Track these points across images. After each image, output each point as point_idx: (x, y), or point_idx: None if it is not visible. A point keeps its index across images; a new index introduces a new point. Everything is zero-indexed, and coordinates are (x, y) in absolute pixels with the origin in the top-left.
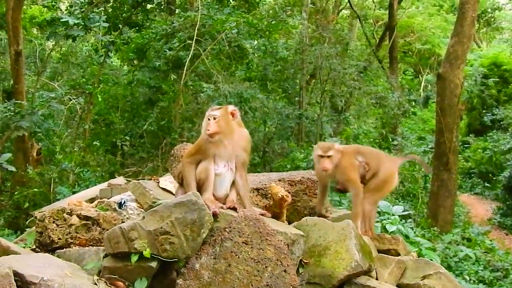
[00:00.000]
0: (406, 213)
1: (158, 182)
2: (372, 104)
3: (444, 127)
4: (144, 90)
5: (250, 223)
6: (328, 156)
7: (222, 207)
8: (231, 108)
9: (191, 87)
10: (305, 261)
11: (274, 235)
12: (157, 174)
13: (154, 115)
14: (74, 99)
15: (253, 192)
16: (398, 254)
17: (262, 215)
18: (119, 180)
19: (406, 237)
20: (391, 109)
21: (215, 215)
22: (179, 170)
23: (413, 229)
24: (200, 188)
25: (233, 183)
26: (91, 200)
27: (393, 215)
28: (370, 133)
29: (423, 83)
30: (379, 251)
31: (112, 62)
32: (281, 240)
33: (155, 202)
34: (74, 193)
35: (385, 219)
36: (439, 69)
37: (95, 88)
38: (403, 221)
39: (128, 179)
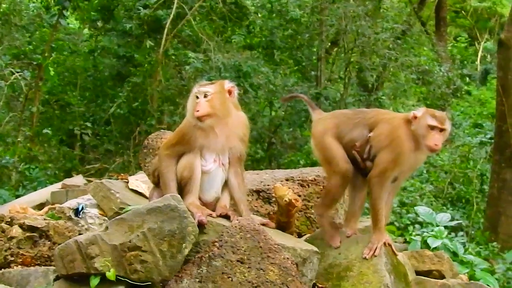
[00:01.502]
0: (455, 223)
1: (127, 182)
2: (412, 80)
3: (507, 111)
4: (111, 61)
5: (247, 236)
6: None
7: (211, 215)
8: (228, 84)
9: (173, 57)
10: (320, 285)
11: (279, 252)
12: (128, 172)
13: (124, 95)
14: (17, 72)
15: (252, 195)
16: (443, 277)
17: (263, 225)
18: (77, 180)
19: (455, 254)
20: (438, 87)
21: (201, 225)
22: (154, 166)
23: (464, 245)
24: (182, 189)
25: (226, 184)
26: (40, 206)
27: (437, 225)
28: None
29: (480, 53)
30: (418, 273)
31: (68, 23)
32: (287, 258)
33: (123, 208)
34: (17, 196)
35: (427, 232)
36: (501, 34)
37: (45, 58)
38: (452, 234)
39: (89, 178)
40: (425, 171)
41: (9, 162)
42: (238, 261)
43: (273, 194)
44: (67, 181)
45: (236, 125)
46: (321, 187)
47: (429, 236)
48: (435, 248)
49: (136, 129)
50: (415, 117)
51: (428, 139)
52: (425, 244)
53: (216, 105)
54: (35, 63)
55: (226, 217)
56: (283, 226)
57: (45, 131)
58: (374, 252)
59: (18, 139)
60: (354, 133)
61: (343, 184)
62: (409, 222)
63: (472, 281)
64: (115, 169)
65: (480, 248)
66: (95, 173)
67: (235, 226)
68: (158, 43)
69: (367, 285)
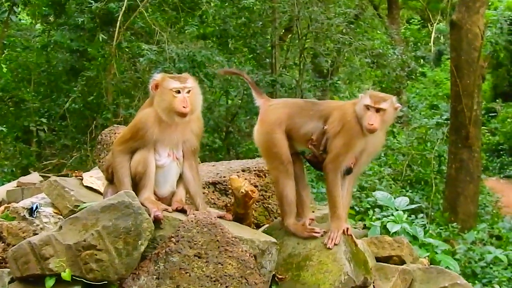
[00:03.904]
0: (414, 206)
1: (82, 179)
2: (367, 64)
3: (461, 91)
4: (64, 55)
5: (204, 230)
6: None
7: (166, 209)
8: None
9: (127, 49)
10: (280, 276)
11: (237, 245)
12: (86, 167)
13: (78, 89)
14: None
15: (209, 187)
16: (403, 262)
17: (220, 217)
18: (33, 177)
19: (415, 238)
20: (392, 70)
21: (157, 221)
22: (108, 163)
23: (425, 227)
24: (136, 185)
25: (181, 178)
26: None
27: (396, 210)
28: None
29: (433, 35)
30: (378, 259)
31: (20, 19)
32: (245, 251)
33: (78, 205)
34: None
35: (387, 216)
36: (452, 15)
37: None
38: (413, 216)
39: (47, 174)
40: (383, 155)
41: None
42: (195, 255)
43: (229, 186)
44: (23, 179)
45: (192, 119)
46: None
47: (388, 221)
48: (395, 233)
49: (93, 123)
50: (360, 98)
51: (364, 119)
52: (384, 229)
53: (196, 101)
54: None
55: (183, 211)
56: (241, 218)
57: None
58: (334, 240)
59: None
60: (309, 126)
61: (289, 180)
62: (369, 206)
63: (432, 265)
64: (72, 164)
65: (441, 229)
66: (53, 169)
67: (191, 221)
68: (111, 36)
69: (327, 274)
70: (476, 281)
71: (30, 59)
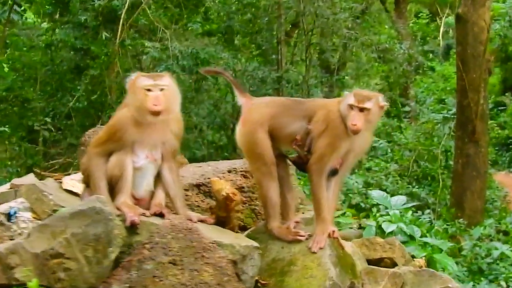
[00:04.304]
0: (411, 205)
1: (62, 182)
2: (374, 60)
3: (467, 86)
4: (68, 54)
5: (180, 235)
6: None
7: (144, 214)
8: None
9: (130, 47)
10: (263, 282)
11: (214, 250)
12: None
13: (82, 88)
14: None
15: (193, 189)
16: (395, 264)
17: (201, 221)
18: (27, 179)
19: (412, 238)
20: (399, 65)
21: (134, 226)
22: (84, 166)
23: (431, 223)
24: (113, 188)
25: (160, 180)
26: None
27: (391, 209)
28: None
29: (442, 28)
30: (369, 262)
31: (26, 18)
32: (223, 257)
33: (57, 210)
34: None
35: (383, 215)
36: (458, 9)
37: None
38: (419, 212)
39: (47, 174)
40: (389, 150)
41: None
42: (170, 263)
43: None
44: (16, 180)
45: (171, 120)
46: None
47: (384, 221)
48: (390, 233)
49: (98, 122)
50: (345, 97)
51: (348, 119)
52: (380, 229)
53: (171, 99)
54: None
55: (161, 215)
56: (223, 221)
57: (1, 129)
58: (319, 244)
59: None
60: (293, 125)
61: (273, 182)
62: (375, 203)
63: (424, 268)
64: (78, 163)
65: (447, 225)
66: (59, 168)
67: (166, 226)
68: (114, 34)
69: (311, 280)
70: (483, 278)
71: (34, 58)
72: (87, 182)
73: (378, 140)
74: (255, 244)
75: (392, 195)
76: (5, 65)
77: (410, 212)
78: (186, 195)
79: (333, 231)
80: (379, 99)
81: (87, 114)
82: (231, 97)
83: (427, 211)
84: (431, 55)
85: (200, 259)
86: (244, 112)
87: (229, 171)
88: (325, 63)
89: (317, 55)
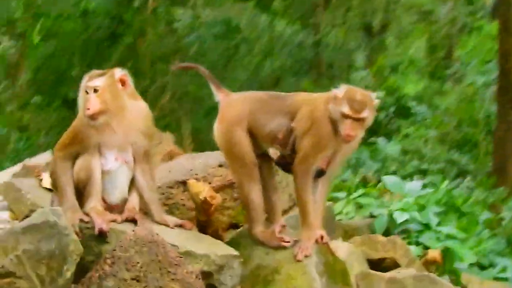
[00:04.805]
0: (425, 191)
1: (42, 180)
2: (416, 21)
3: (510, 49)
4: (102, 22)
5: (144, 249)
6: None
7: (115, 220)
8: (118, 73)
9: (163, 15)
10: None
11: (181, 265)
12: None
13: (116, 56)
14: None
15: (178, 186)
16: (397, 265)
17: (179, 226)
18: (40, 159)
19: (427, 226)
20: (443, 26)
21: (102, 234)
22: (51, 169)
23: (471, 190)
24: (82, 194)
25: (134, 183)
26: None
27: (405, 196)
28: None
29: None
30: (370, 262)
31: None
32: (191, 272)
33: (34, 210)
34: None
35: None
36: None
37: (31, 25)
38: (459, 179)
39: None
40: (429, 116)
41: (2, 133)
42: (133, 279)
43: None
44: (29, 161)
45: (136, 118)
46: None
47: (396, 210)
48: (405, 222)
49: None
50: (335, 98)
51: (341, 127)
52: (391, 219)
53: (107, 100)
54: (20, 30)
55: (134, 221)
56: (204, 226)
57: (34, 99)
58: (305, 251)
59: (10, 109)
60: (274, 123)
61: (254, 183)
62: (412, 171)
63: (424, 273)
64: None
65: (488, 193)
66: None
67: (130, 239)
68: (146, 2)
69: None
70: None
71: (68, 27)
72: (55, 185)
73: (418, 105)
74: (234, 252)
75: (430, 163)
76: (37, 35)
77: (446, 182)
78: (171, 193)
79: (322, 236)
80: (374, 101)
81: None
82: (270, 63)
83: (467, 178)
84: (477, 14)
85: (166, 275)
86: (221, 109)
87: (220, 165)
88: (366, 26)
89: (357, 18)
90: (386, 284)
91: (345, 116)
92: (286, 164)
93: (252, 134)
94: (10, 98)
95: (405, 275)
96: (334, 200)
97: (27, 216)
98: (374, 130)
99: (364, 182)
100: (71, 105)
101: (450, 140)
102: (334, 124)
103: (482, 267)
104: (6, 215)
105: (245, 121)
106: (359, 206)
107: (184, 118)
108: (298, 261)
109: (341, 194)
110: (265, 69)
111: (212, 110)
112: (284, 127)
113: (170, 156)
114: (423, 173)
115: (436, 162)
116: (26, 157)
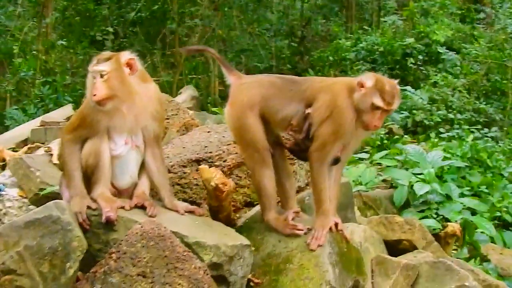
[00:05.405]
0: (447, 162)
1: (52, 155)
2: None
3: None
4: None
5: (150, 244)
6: None
7: (123, 207)
8: (126, 56)
9: None
10: (256, 281)
11: (189, 261)
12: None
13: None
14: None
15: (192, 165)
16: (414, 247)
17: (190, 212)
18: (57, 114)
19: (448, 197)
20: None
21: (110, 222)
22: (59, 151)
23: (497, 141)
24: (89, 179)
25: (144, 168)
26: (26, 143)
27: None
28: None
29: None
30: (387, 243)
31: None
32: (199, 268)
33: (43, 188)
34: (31, 116)
35: (418, 175)
36: None
37: None
38: (485, 130)
39: None
40: (458, 63)
41: (28, 75)
42: (139, 275)
43: (217, 163)
44: (46, 117)
45: (146, 101)
46: None
47: (417, 181)
48: (426, 193)
49: (162, 31)
50: (362, 86)
51: (368, 117)
52: (412, 191)
53: (114, 84)
54: None
55: (143, 208)
56: (216, 211)
57: (59, 42)
58: (318, 241)
59: (35, 52)
60: (288, 109)
61: (266, 169)
62: (439, 120)
63: (440, 259)
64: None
65: None
66: None
67: (136, 233)
68: None
69: (307, 282)
70: None
71: None
72: (63, 169)
73: (447, 52)
74: (245, 241)
75: (458, 112)
76: None
77: (472, 136)
78: (184, 172)
79: (336, 224)
80: (399, 90)
81: (151, 24)
82: (301, 3)
83: (494, 128)
84: None
85: (173, 271)
86: (233, 93)
87: (235, 142)
88: None
89: None
90: (401, 270)
91: (376, 108)
92: (300, 151)
93: (264, 119)
94: (36, 39)
95: (420, 261)
96: (356, 162)
97: (36, 194)
98: (402, 78)
99: (390, 136)
100: (98, 46)
101: (478, 88)
102: (358, 113)
103: (505, 225)
104: (15, 192)
105: (257, 106)
106: (380, 170)
107: None
108: (312, 250)
109: (364, 155)
110: (295, 11)
111: None
112: (299, 114)
113: (186, 127)
114: (450, 123)
115: (464, 111)
116: (50, 103)
